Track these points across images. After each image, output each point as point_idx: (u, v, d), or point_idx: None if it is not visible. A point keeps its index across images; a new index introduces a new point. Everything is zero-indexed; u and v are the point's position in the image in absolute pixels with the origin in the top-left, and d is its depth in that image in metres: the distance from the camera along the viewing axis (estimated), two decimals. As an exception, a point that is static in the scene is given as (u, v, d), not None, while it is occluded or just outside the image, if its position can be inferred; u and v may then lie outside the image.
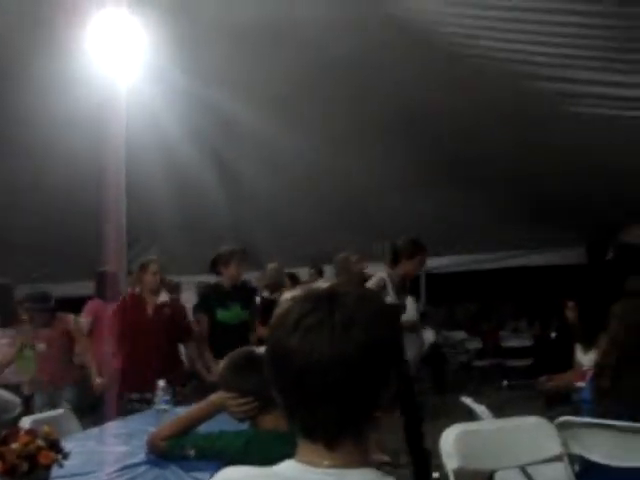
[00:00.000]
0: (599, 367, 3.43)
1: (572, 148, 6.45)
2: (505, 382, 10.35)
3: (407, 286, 5.69)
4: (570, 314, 5.08)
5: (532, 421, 3.35)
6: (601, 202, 7.47)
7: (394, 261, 5.51)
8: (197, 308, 5.86)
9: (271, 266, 6.99)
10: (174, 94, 7.25)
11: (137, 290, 5.39)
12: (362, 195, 8.32)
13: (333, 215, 8.63)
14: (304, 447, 1.21)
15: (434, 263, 9.41)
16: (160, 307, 5.25)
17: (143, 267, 5.31)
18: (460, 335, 10.25)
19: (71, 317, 5.86)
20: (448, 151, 7.39)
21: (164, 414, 3.26)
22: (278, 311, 1.22)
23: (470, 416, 4.01)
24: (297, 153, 8.05)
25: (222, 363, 2.61)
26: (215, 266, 5.66)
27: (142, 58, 6.43)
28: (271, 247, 7.02)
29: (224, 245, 5.80)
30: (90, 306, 6.78)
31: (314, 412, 1.18)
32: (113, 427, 3.57)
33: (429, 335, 9.64)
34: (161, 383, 3.50)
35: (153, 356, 5.03)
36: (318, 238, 8.45)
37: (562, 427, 3.28)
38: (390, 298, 5.42)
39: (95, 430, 3.56)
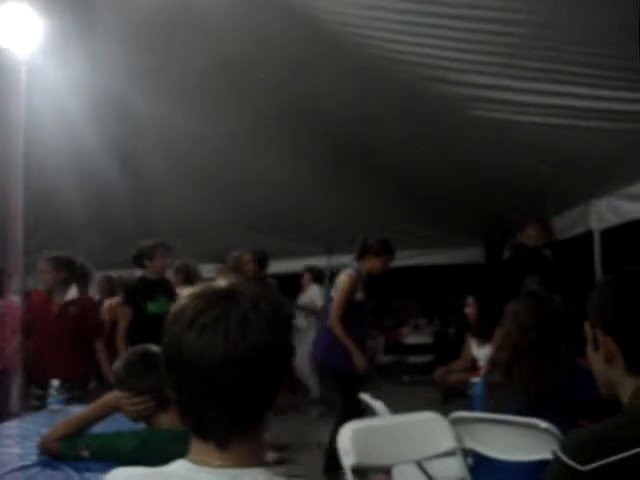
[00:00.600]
0: (491, 363, 3.56)
1: (472, 150, 6.63)
2: (406, 378, 10.60)
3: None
4: (468, 310, 5.24)
5: (427, 416, 3.43)
6: (499, 203, 7.71)
7: (361, 256, 5.77)
8: (123, 302, 5.83)
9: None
10: (76, 84, 7.05)
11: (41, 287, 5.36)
12: (268, 192, 8.31)
13: (239, 212, 8.60)
14: (196, 446, 1.21)
15: (337, 261, 9.53)
16: (66, 305, 5.20)
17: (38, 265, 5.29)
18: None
19: None
20: (349, 150, 7.46)
21: (57, 414, 3.18)
22: (175, 307, 1.21)
23: (368, 412, 4.09)
24: (201, 147, 7.98)
25: (116, 362, 2.57)
26: (139, 260, 5.73)
27: (41, 44, 6.25)
28: (176, 243, 6.92)
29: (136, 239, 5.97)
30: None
31: (206, 411, 1.18)
32: (5, 428, 3.45)
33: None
34: (54, 382, 3.41)
35: (56, 354, 4.98)
36: (223, 235, 8.41)
37: (456, 422, 3.38)
38: (359, 294, 5.62)
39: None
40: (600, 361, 1.57)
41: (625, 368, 1.53)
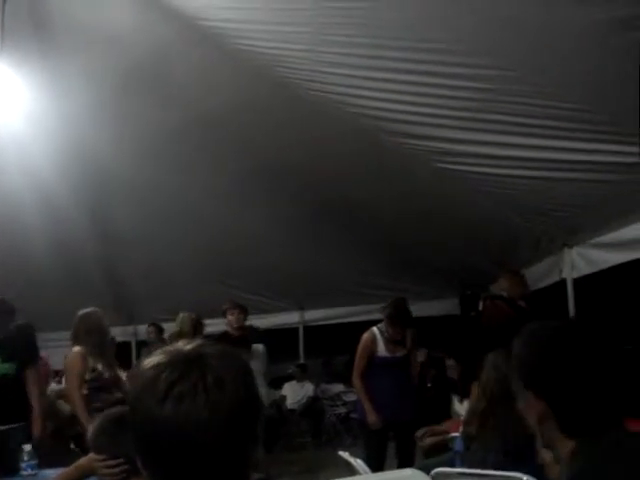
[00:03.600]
0: (469, 414, 3.54)
1: (443, 203, 6.70)
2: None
3: None
4: (451, 371, 5.27)
5: (409, 473, 3.39)
6: (472, 254, 7.76)
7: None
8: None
9: (183, 315, 6.77)
10: (47, 139, 7.05)
11: None
12: (239, 249, 8.30)
13: (208, 268, 8.57)
14: None
15: (310, 316, 9.52)
16: None
17: None
18: (338, 387, 10.31)
19: None
20: (321, 207, 7.50)
21: (31, 478, 3.08)
22: (141, 379, 1.16)
23: (348, 470, 4.02)
24: (173, 204, 7.98)
25: (91, 426, 2.50)
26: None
27: (15, 101, 6.26)
28: (145, 300, 6.85)
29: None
30: None
31: (190, 476, 1.14)
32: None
33: (308, 388, 9.68)
34: (27, 447, 3.31)
35: None
36: (197, 291, 8.35)
37: (437, 478, 3.33)
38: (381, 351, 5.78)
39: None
40: (534, 419, 1.55)
41: (559, 430, 1.51)
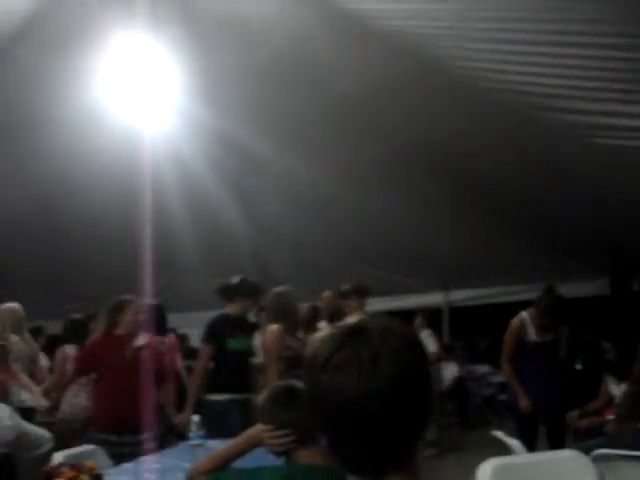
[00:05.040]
0: (624, 396, 3.42)
1: (592, 179, 6.46)
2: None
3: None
4: (610, 355, 5.12)
5: (567, 454, 3.32)
6: (625, 233, 7.44)
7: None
8: (204, 339, 5.77)
9: (326, 294, 6.88)
10: (197, 130, 7.34)
11: (116, 331, 5.17)
12: (382, 229, 8.33)
13: (354, 249, 8.64)
14: None
15: (456, 296, 9.41)
16: (137, 350, 5.07)
17: (119, 308, 5.15)
18: (484, 369, 10.17)
19: None
20: (465, 185, 7.41)
21: (198, 449, 3.25)
22: (309, 351, 1.23)
23: (500, 450, 3.98)
24: (317, 188, 8.11)
25: (261, 396, 2.61)
26: (227, 294, 5.71)
27: (165, 95, 6.53)
28: (294, 282, 6.96)
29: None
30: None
31: (354, 449, 1.18)
32: (146, 462, 3.56)
33: (453, 369, 9.59)
34: (194, 418, 3.50)
35: (127, 399, 4.81)
36: (340, 272, 8.44)
37: (598, 460, 3.26)
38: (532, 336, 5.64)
39: (129, 465, 3.55)
40: None
41: None
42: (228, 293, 5.69)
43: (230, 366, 5.50)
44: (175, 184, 7.97)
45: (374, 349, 1.16)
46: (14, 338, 5.77)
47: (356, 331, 1.20)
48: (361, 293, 6.54)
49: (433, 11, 5.17)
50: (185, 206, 8.32)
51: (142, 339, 5.09)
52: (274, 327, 5.10)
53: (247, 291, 5.67)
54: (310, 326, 6.17)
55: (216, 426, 4.75)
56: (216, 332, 5.65)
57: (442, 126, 6.68)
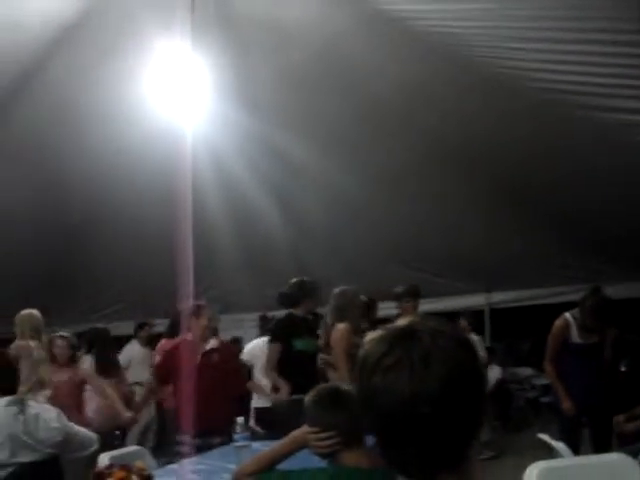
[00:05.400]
0: None
1: (635, 178, 6.37)
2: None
3: None
4: None
5: (615, 458, 3.29)
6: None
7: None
8: (272, 338, 5.89)
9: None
10: (236, 133, 7.40)
11: (188, 335, 5.33)
12: (420, 231, 8.29)
13: (393, 251, 8.61)
14: None
15: (498, 298, 9.32)
16: (209, 353, 5.22)
17: (196, 313, 5.27)
18: (527, 371, 10.06)
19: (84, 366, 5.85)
20: (508, 184, 7.34)
21: (244, 450, 3.28)
22: (361, 352, 1.24)
23: (544, 453, 3.94)
24: (355, 190, 8.10)
25: (307, 398, 2.62)
26: (292, 296, 5.79)
27: (205, 99, 6.59)
28: (333, 283, 6.97)
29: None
30: (163, 345, 6.89)
31: (405, 451, 1.18)
32: (192, 463, 3.59)
33: (495, 371, 9.50)
34: (239, 420, 3.52)
35: (199, 402, 4.88)
36: (379, 274, 8.42)
37: (646, 464, 3.21)
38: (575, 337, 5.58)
39: (174, 466, 3.59)
40: None
41: None
42: (290, 300, 5.82)
43: (294, 366, 5.57)
44: (214, 187, 8.05)
45: (425, 351, 1.16)
46: (32, 343, 5.94)
47: (407, 333, 1.20)
48: (414, 295, 6.55)
49: (467, 11, 5.16)
50: (224, 208, 8.39)
51: (213, 343, 5.24)
52: (341, 325, 5.18)
53: (308, 292, 5.78)
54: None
55: (279, 425, 4.83)
56: (283, 332, 5.76)
57: (476, 126, 6.64)
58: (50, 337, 5.96)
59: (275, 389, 5.56)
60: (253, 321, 8.44)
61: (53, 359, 5.74)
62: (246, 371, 5.57)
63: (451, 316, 8.70)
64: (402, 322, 1.24)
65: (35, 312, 6.21)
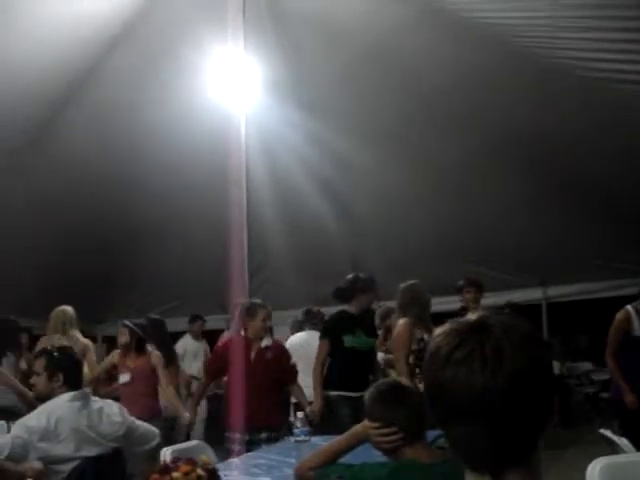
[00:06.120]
0: None
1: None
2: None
3: None
4: None
5: (682, 453, 3.21)
6: None
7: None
8: (322, 335, 5.88)
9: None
10: (287, 129, 7.43)
11: (242, 332, 5.34)
12: (475, 226, 8.22)
13: (450, 247, 8.54)
14: (470, 478, 1.22)
15: (555, 292, 9.17)
16: (262, 351, 5.25)
17: (252, 312, 5.29)
18: (586, 366, 9.91)
19: (156, 352, 5.93)
20: (565, 178, 7.23)
21: (304, 445, 3.30)
22: (431, 346, 1.24)
23: (604, 448, 3.87)
24: (410, 185, 8.07)
25: (367, 393, 2.63)
26: (347, 292, 5.78)
27: (257, 96, 6.64)
28: (390, 281, 6.94)
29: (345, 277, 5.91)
30: (224, 339, 7.01)
31: (476, 444, 1.18)
32: (253, 458, 3.63)
33: (554, 366, 9.36)
34: (299, 414, 3.55)
35: (250, 399, 4.95)
36: (437, 270, 8.36)
37: None
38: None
39: (235, 460, 3.64)
40: None
41: None
42: (344, 294, 5.81)
43: (343, 363, 5.60)
44: (267, 183, 8.10)
45: (497, 344, 1.16)
46: (61, 337, 6.15)
47: (478, 326, 1.20)
48: (477, 286, 6.56)
49: (527, 1, 5.09)
50: (277, 206, 8.44)
51: (267, 341, 5.27)
52: (402, 321, 5.19)
53: (362, 287, 5.76)
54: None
55: (323, 421, 4.84)
56: (332, 328, 5.79)
57: (535, 120, 6.55)
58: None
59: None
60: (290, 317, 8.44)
61: (127, 348, 5.86)
62: (296, 370, 5.55)
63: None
64: (472, 316, 1.25)
65: (68, 308, 6.44)
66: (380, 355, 6.32)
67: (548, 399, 1.19)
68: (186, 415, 5.57)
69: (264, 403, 5.03)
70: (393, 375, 5.43)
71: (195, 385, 7.60)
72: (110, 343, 8.83)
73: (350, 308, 5.77)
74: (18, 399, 5.54)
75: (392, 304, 6.82)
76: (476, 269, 8.23)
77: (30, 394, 4.92)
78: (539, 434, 1.20)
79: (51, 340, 5.94)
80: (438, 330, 1.26)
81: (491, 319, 1.21)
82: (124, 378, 5.82)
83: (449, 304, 7.29)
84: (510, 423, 1.15)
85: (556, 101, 6.13)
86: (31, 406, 4.26)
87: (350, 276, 5.85)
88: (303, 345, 6.46)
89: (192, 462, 2.49)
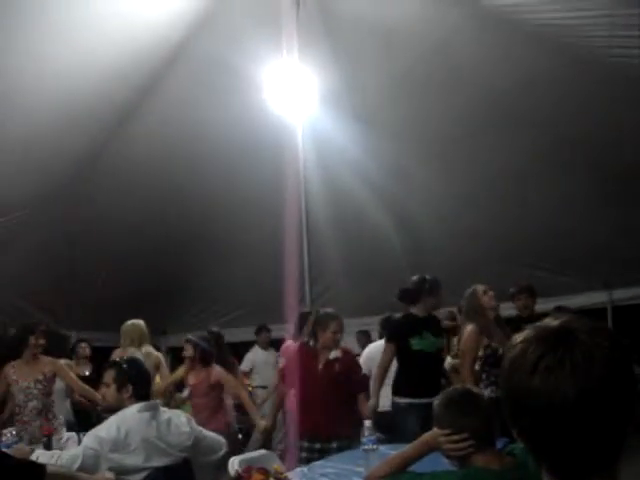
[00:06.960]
0: None
1: None
2: None
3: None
4: None
5: None
6: None
7: None
8: (387, 338, 5.83)
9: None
10: (344, 137, 7.45)
11: (312, 342, 5.25)
12: (537, 229, 8.10)
13: (509, 251, 8.43)
14: None
15: (620, 295, 8.95)
16: (331, 363, 5.14)
17: (323, 323, 5.18)
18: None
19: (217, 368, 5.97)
20: (627, 178, 7.08)
21: (372, 453, 3.29)
22: (512, 353, 1.22)
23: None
24: (466, 190, 8.00)
25: (436, 401, 2.61)
26: (412, 294, 5.72)
27: (313, 105, 6.67)
28: (450, 287, 6.88)
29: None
30: (287, 347, 7.04)
31: (562, 451, 1.17)
32: (320, 466, 3.63)
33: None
34: (367, 423, 3.54)
35: (319, 409, 4.97)
36: (496, 274, 8.26)
37: None
38: None
39: (303, 469, 3.65)
40: None
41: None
42: (410, 296, 5.71)
43: (411, 367, 5.52)
44: (324, 193, 8.13)
45: (587, 350, 1.15)
46: (135, 350, 6.25)
47: (564, 333, 1.19)
48: (529, 292, 6.37)
49: (582, 1, 5.02)
50: (335, 214, 8.47)
51: (335, 353, 5.17)
52: (469, 327, 5.12)
53: (428, 289, 5.66)
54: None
55: (392, 429, 4.79)
56: (399, 331, 5.70)
57: (597, 122, 6.44)
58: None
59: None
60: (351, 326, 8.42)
61: (192, 361, 5.95)
62: (367, 380, 5.51)
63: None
64: (552, 322, 1.23)
65: (140, 322, 6.54)
66: (448, 360, 6.26)
67: (633, 403, 1.18)
68: (262, 423, 5.61)
69: (332, 414, 4.95)
70: (456, 380, 5.38)
71: (261, 394, 7.65)
72: (174, 355, 8.98)
73: (415, 310, 5.67)
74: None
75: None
76: (536, 272, 8.11)
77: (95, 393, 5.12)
78: (624, 439, 1.19)
79: (125, 353, 6.06)
80: (517, 337, 1.25)
81: (575, 324, 1.20)
82: (184, 393, 5.96)
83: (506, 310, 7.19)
84: (600, 428, 1.15)
85: (611, 99, 6.02)
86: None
87: (416, 277, 5.74)
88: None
89: (265, 471, 2.51)
